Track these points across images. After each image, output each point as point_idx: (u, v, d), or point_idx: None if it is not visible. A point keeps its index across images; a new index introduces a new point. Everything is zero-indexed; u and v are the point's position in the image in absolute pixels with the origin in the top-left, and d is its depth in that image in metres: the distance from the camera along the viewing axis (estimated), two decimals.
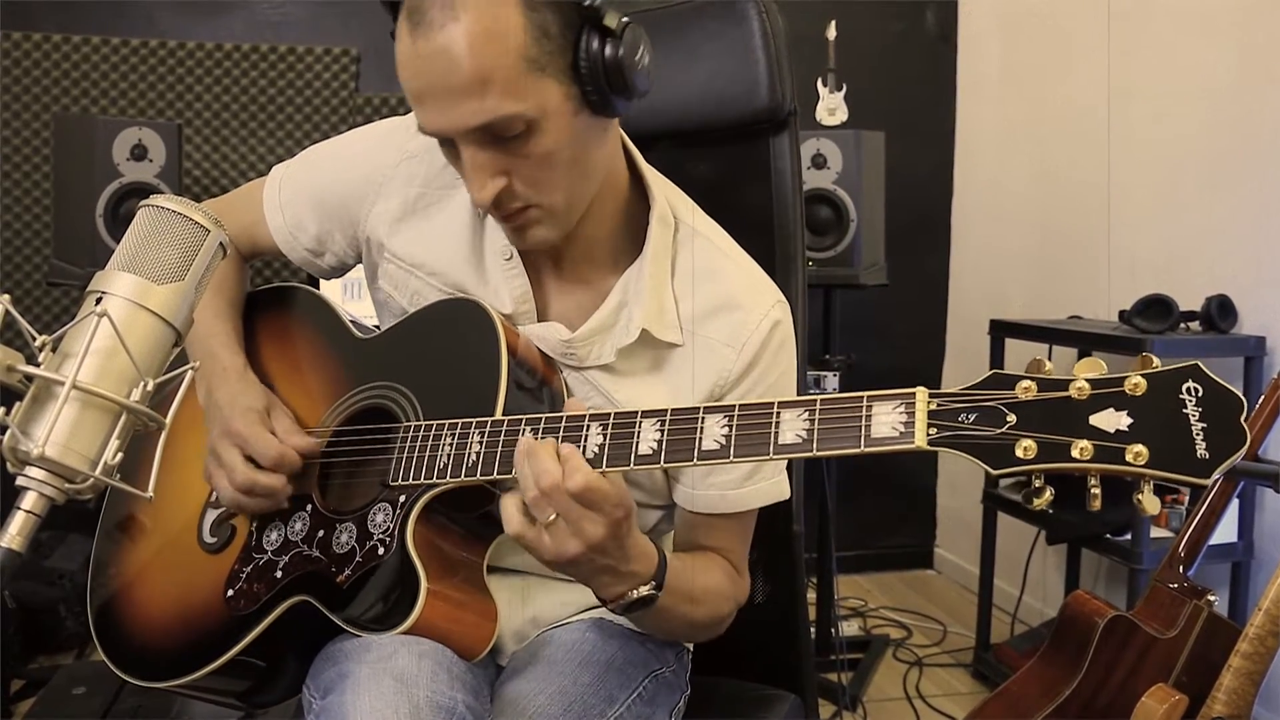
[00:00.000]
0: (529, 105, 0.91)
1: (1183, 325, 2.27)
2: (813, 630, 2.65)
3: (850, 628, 3.02)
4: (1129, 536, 2.23)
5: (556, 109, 0.93)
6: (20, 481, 0.67)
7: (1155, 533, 2.22)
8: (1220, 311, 2.25)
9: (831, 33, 2.73)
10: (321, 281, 1.37)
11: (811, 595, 2.74)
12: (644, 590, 0.94)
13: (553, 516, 0.87)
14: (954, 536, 3.55)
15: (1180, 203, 2.52)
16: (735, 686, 1.29)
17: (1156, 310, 2.25)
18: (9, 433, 0.67)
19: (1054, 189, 3.01)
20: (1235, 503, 1.95)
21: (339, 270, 1.25)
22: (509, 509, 0.89)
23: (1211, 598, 1.57)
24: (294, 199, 1.20)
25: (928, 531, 3.64)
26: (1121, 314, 2.32)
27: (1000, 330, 2.64)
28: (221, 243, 0.77)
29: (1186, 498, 2.26)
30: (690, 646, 1.21)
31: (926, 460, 3.59)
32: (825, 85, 2.78)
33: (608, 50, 0.92)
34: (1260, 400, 1.62)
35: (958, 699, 2.62)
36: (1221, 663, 1.41)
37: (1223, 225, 2.39)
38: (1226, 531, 2.18)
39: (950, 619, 3.12)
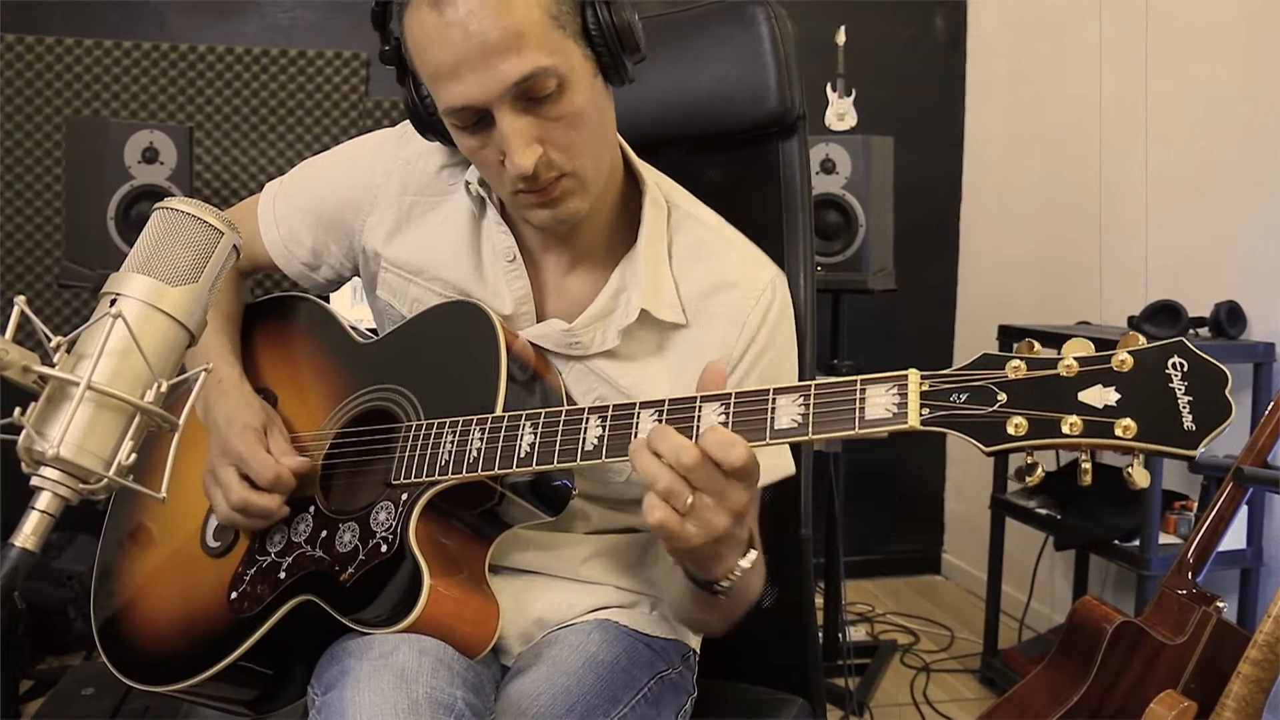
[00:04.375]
0: (560, 60, 0.93)
1: (1191, 331, 2.27)
2: (820, 635, 2.66)
3: (857, 633, 3.02)
4: (1137, 542, 2.22)
5: (580, 68, 0.96)
6: (35, 481, 0.68)
7: (1164, 539, 2.21)
8: (1229, 318, 2.25)
9: (841, 38, 2.73)
10: None
11: (819, 600, 2.74)
12: (751, 555, 0.91)
13: (690, 499, 0.82)
14: (962, 542, 3.54)
15: (1189, 209, 2.52)
16: (742, 690, 1.29)
17: (1165, 316, 2.25)
18: (24, 433, 0.67)
19: (1063, 194, 3.01)
20: (1244, 509, 1.94)
21: (335, 284, 1.26)
22: (651, 499, 0.84)
23: (1220, 604, 1.57)
24: (289, 213, 1.21)
25: (935, 537, 3.64)
26: (1130, 320, 2.32)
27: (1009, 335, 2.64)
28: (235, 245, 0.77)
29: (1195, 504, 2.26)
30: (697, 649, 1.21)
31: (934, 465, 3.59)
32: (834, 90, 2.78)
33: (614, 14, 0.96)
34: (1270, 407, 1.62)
35: (965, 705, 2.62)
36: (1230, 669, 1.41)
37: (1232, 231, 2.39)
38: (1235, 538, 2.17)
39: (958, 624, 3.12)
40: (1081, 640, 1.66)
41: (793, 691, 1.29)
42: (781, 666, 1.34)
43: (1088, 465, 0.78)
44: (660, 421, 0.87)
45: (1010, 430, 0.75)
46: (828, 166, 2.59)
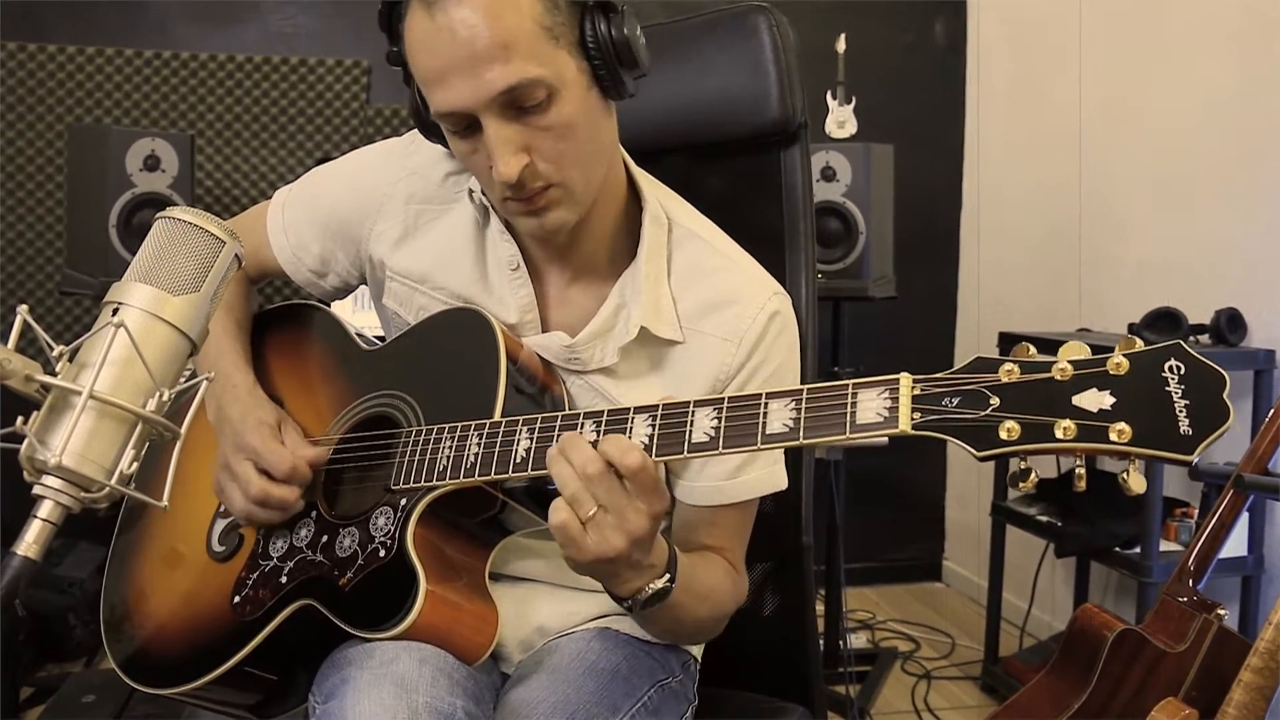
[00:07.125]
0: (549, 71, 0.93)
1: (1192, 338, 2.27)
2: (821, 643, 2.65)
3: (858, 640, 3.01)
4: (1138, 550, 2.22)
5: (573, 80, 0.96)
6: (37, 490, 0.68)
7: (1164, 546, 2.21)
8: (1229, 324, 2.25)
9: (841, 45, 2.74)
10: None
11: (820, 608, 2.73)
12: (659, 583, 0.94)
13: (593, 511, 0.87)
14: (962, 549, 3.54)
15: (1190, 215, 2.52)
16: (743, 698, 1.29)
17: (1165, 323, 2.25)
18: (26, 442, 0.67)
19: (1062, 201, 3.01)
20: (1245, 516, 1.94)
21: (342, 291, 1.26)
22: (557, 503, 0.89)
23: (1221, 611, 1.56)
24: (297, 221, 1.22)
25: (936, 544, 3.64)
26: (1130, 327, 2.32)
27: (1009, 342, 2.64)
28: (237, 254, 0.77)
29: (1196, 512, 2.26)
30: (698, 656, 1.21)
31: (935, 473, 3.59)
32: (834, 98, 2.78)
33: (614, 28, 0.96)
34: (1270, 414, 1.61)
35: (966, 712, 2.62)
36: (1232, 677, 1.41)
37: (1232, 238, 2.39)
38: (1236, 545, 2.17)
39: (959, 632, 3.11)
40: (1082, 648, 1.66)
41: (794, 699, 1.29)
42: (782, 674, 1.34)
43: (1082, 471, 0.76)
44: (654, 426, 0.88)
45: (1002, 435, 0.74)
46: (828, 174, 2.60)
